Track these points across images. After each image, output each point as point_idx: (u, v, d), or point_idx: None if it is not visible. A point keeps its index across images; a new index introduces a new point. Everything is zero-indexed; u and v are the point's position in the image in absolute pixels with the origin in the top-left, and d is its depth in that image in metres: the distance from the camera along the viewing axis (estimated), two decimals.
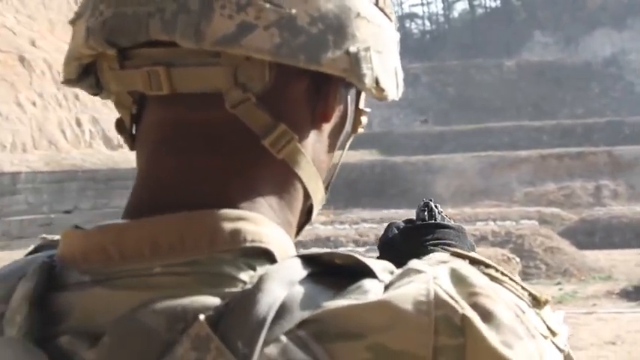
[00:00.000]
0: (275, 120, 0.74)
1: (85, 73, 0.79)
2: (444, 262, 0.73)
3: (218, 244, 0.69)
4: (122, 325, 0.65)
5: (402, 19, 75.72)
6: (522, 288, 0.75)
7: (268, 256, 0.70)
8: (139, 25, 0.71)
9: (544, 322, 0.74)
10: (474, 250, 1.38)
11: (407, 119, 54.25)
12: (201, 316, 0.63)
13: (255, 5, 0.70)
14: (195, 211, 0.70)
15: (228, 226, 0.70)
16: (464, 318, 0.66)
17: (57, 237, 0.78)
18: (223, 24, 0.70)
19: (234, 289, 0.66)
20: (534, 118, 49.40)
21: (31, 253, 0.81)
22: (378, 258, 1.45)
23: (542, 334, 0.72)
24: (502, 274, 0.75)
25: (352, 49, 0.73)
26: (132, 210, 0.75)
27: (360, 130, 0.86)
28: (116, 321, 0.65)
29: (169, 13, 0.70)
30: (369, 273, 0.68)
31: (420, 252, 1.33)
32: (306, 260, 0.69)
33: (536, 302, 0.75)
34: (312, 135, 0.78)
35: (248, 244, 0.70)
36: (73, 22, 0.77)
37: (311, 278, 0.67)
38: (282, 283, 0.65)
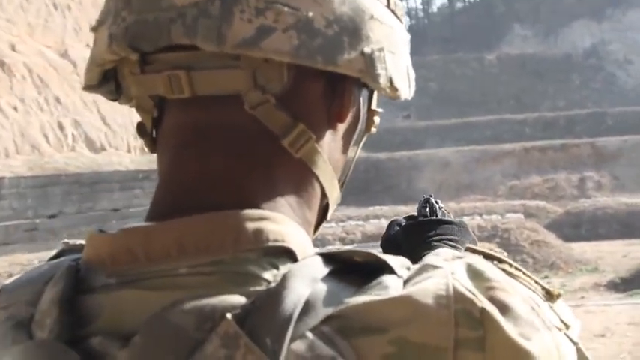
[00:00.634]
0: (293, 120, 0.76)
1: (105, 79, 0.81)
2: (460, 257, 0.74)
3: (242, 243, 0.71)
4: (153, 325, 0.66)
5: None
6: (535, 282, 0.77)
7: (290, 255, 0.72)
8: (161, 30, 0.73)
9: (557, 315, 0.75)
10: (475, 244, 1.39)
11: (389, 115, 54.36)
12: (229, 315, 0.65)
13: (273, 9, 0.72)
14: (219, 212, 0.72)
15: (251, 226, 0.72)
16: (483, 311, 0.67)
17: (79, 241, 0.81)
18: (243, 27, 0.72)
19: (258, 288, 0.68)
20: (516, 111, 49.65)
21: (53, 257, 0.82)
22: None
23: (556, 327, 0.73)
24: (516, 268, 0.77)
25: (367, 50, 0.76)
26: (156, 213, 0.76)
27: (374, 129, 0.88)
28: (147, 321, 0.67)
29: (190, 18, 0.72)
30: (389, 269, 0.70)
31: (424, 248, 1.34)
32: (327, 258, 0.70)
33: (550, 296, 0.77)
34: (328, 135, 0.80)
35: (271, 244, 0.72)
36: (95, 30, 0.79)
37: (332, 275, 0.69)
38: (305, 280, 0.67)
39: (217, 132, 0.76)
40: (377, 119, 0.88)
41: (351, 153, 0.87)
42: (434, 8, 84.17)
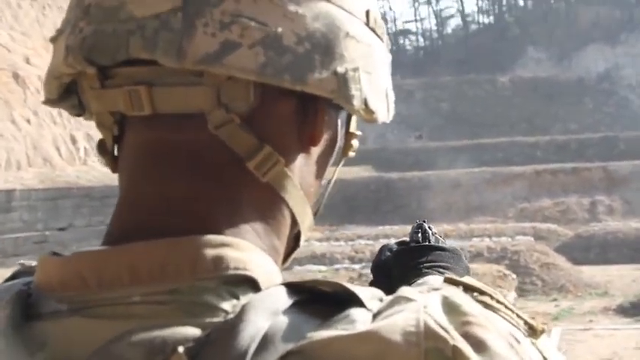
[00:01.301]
0: (260, 142, 0.72)
1: (66, 93, 0.76)
2: (436, 289, 0.69)
3: (200, 271, 0.66)
4: (98, 359, 0.62)
5: (395, 35, 76.02)
6: (518, 316, 0.72)
7: (252, 284, 0.68)
8: (119, 42, 0.69)
9: (540, 352, 0.70)
10: (469, 272, 1.36)
11: (401, 135, 54.31)
12: (180, 348, 0.61)
13: (239, 23, 0.68)
14: (177, 237, 0.68)
15: (210, 252, 0.67)
16: (455, 349, 0.62)
17: (34, 263, 0.75)
18: (206, 42, 0.68)
19: (215, 319, 0.64)
20: (528, 133, 49.50)
21: (8, 279, 0.78)
22: (372, 281, 1.43)
23: None
24: (497, 301, 0.71)
25: (340, 69, 0.71)
26: (112, 236, 0.72)
27: (352, 153, 0.84)
28: (92, 354, 0.62)
29: (150, 31, 0.68)
30: (357, 301, 0.65)
31: (414, 275, 1.32)
32: (292, 288, 0.66)
33: (533, 331, 0.71)
34: (300, 158, 0.76)
35: (231, 272, 0.67)
36: (53, 40, 0.75)
37: (296, 307, 0.64)
38: (266, 312, 0.63)
39: (179, 152, 0.72)
40: (355, 143, 0.83)
41: (327, 177, 0.82)
42: (448, 30, 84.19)
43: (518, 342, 0.67)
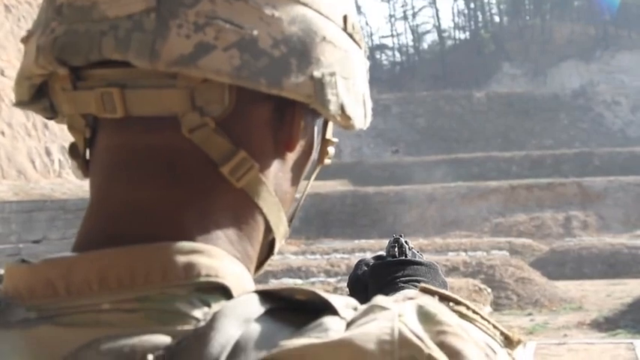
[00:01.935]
0: (235, 146, 0.70)
1: (38, 95, 0.74)
2: (411, 298, 0.68)
3: (170, 278, 0.65)
4: None
5: (372, 50, 76.30)
6: (494, 327, 0.71)
7: (224, 292, 0.66)
8: (92, 43, 0.67)
9: None
10: (446, 287, 1.35)
11: (378, 149, 54.43)
12: (150, 357, 0.60)
13: (214, 25, 0.67)
14: (147, 244, 0.66)
15: (181, 259, 0.66)
16: (430, 358, 0.61)
17: (1, 271, 0.73)
18: (180, 44, 0.66)
19: (186, 327, 0.62)
20: (503, 148, 49.77)
21: None
22: (348, 296, 1.42)
23: None
24: (473, 312, 0.71)
25: (316, 73, 0.70)
26: (81, 243, 0.70)
27: (327, 161, 0.83)
28: None
29: (123, 31, 0.66)
30: (331, 309, 0.64)
31: (391, 289, 1.31)
32: (264, 296, 0.64)
33: (509, 342, 0.71)
34: (275, 164, 0.74)
35: (202, 279, 0.66)
36: (25, 41, 0.73)
37: (269, 315, 0.63)
38: (238, 320, 0.61)
39: (151, 156, 0.70)
40: (331, 150, 0.82)
41: (302, 184, 0.81)
42: (424, 45, 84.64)
43: (495, 352, 0.67)
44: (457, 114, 57.46)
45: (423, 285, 0.74)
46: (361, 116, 0.76)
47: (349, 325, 0.63)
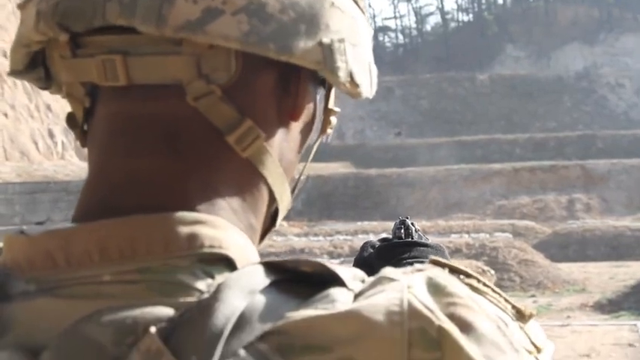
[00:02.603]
0: (241, 115, 0.68)
1: (33, 64, 0.72)
2: (420, 270, 0.65)
3: (173, 249, 0.63)
4: (65, 340, 0.59)
5: (375, 32, 76.07)
6: (505, 300, 0.69)
7: (228, 263, 0.64)
8: (95, 8, 0.65)
9: (528, 336, 0.68)
10: None
11: (380, 131, 54.45)
12: (152, 329, 0.58)
13: None
14: (149, 214, 0.64)
15: (184, 230, 0.64)
16: (440, 330, 0.59)
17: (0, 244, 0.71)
18: (187, 9, 0.64)
19: (189, 299, 0.61)
20: (507, 131, 49.77)
21: None
22: None
23: (526, 349, 0.66)
24: (484, 285, 0.69)
25: (325, 39, 0.68)
26: (81, 213, 0.68)
27: (329, 131, 0.81)
28: (59, 335, 0.60)
29: None
30: (338, 281, 0.62)
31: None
32: (269, 267, 0.63)
33: (520, 316, 0.69)
34: (280, 134, 0.73)
35: (206, 250, 0.64)
36: (22, 7, 0.71)
37: (274, 287, 0.62)
38: (242, 292, 0.60)
39: (153, 125, 0.68)
40: (334, 120, 0.80)
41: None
42: (428, 27, 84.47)
43: (506, 325, 0.65)
44: (460, 96, 57.43)
45: (432, 257, 0.71)
46: (368, 84, 0.74)
47: (357, 296, 0.62)
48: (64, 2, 0.66)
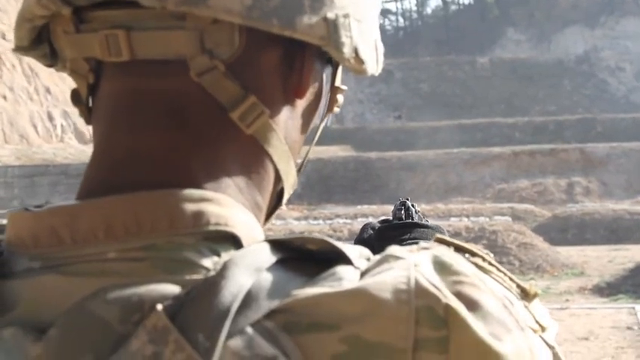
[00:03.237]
0: (245, 91, 0.68)
1: (37, 40, 0.72)
2: (426, 248, 0.65)
3: (178, 226, 0.63)
4: (71, 317, 0.59)
5: None
6: (510, 279, 0.69)
7: (234, 241, 0.64)
8: None
9: (533, 315, 0.67)
10: None
11: (380, 115, 54.41)
12: (159, 306, 0.58)
13: None
14: (154, 191, 0.64)
15: (189, 207, 0.63)
16: (447, 308, 0.60)
17: (4, 221, 0.70)
18: None
19: (195, 277, 0.61)
20: (507, 114, 49.71)
21: None
22: None
23: (531, 328, 0.65)
24: (489, 263, 0.68)
25: (330, 15, 0.67)
26: (86, 190, 0.68)
27: (336, 109, 0.80)
28: (65, 312, 0.59)
29: None
30: (344, 259, 0.62)
31: None
32: (276, 245, 0.63)
33: (525, 295, 0.68)
34: (285, 111, 0.72)
35: (211, 228, 0.64)
36: None
37: (280, 265, 0.62)
38: (249, 269, 0.60)
39: (157, 101, 0.67)
40: (340, 98, 0.79)
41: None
42: (428, 10, 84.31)
43: (512, 303, 0.65)
44: (460, 79, 57.34)
45: (438, 236, 0.71)
46: (373, 61, 0.73)
47: (363, 274, 0.62)
48: None
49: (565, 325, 11.52)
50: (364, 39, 0.71)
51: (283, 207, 0.79)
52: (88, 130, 29.62)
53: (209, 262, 0.62)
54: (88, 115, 0.72)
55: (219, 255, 0.63)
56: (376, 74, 0.75)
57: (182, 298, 0.59)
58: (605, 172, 33.72)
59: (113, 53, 0.67)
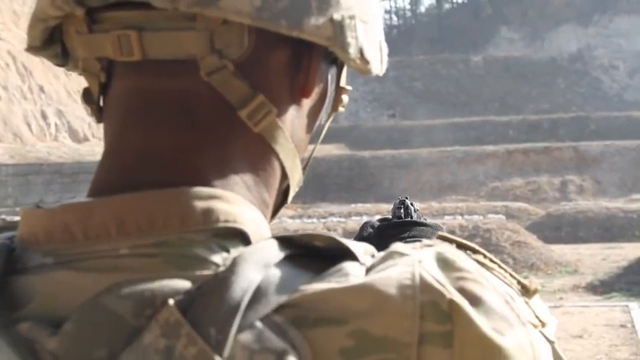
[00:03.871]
0: (253, 90, 0.70)
1: (50, 41, 0.74)
2: (429, 245, 0.68)
3: (189, 224, 0.64)
4: (86, 311, 0.61)
5: None
6: (511, 276, 0.71)
7: (242, 237, 0.66)
8: None
9: (533, 311, 0.69)
10: None
11: (374, 113, 54.44)
12: (171, 301, 0.59)
13: None
14: (165, 189, 0.66)
15: (199, 204, 0.65)
16: (451, 303, 0.61)
17: (17, 219, 0.72)
18: None
19: (205, 272, 0.62)
20: (500, 113, 49.78)
21: None
22: None
23: (532, 323, 0.67)
24: (491, 260, 0.71)
25: (336, 16, 0.69)
26: (98, 188, 0.70)
27: (341, 109, 0.82)
28: (80, 306, 0.61)
29: None
30: (350, 255, 0.64)
31: None
32: (283, 242, 0.65)
33: (525, 291, 0.71)
34: (292, 110, 0.74)
35: (221, 225, 0.65)
36: None
37: (288, 261, 0.63)
38: (258, 265, 0.61)
39: (168, 100, 0.69)
40: (345, 98, 0.81)
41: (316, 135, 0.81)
42: (422, 8, 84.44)
43: (513, 299, 0.67)
44: (454, 78, 57.40)
45: (440, 233, 0.73)
46: (378, 61, 0.75)
47: (368, 271, 0.63)
48: None
49: (559, 323, 11.50)
50: (369, 40, 0.73)
51: None
52: (81, 129, 29.57)
53: (219, 258, 0.63)
54: (99, 114, 0.74)
55: (228, 251, 0.64)
56: (380, 74, 0.78)
57: (193, 293, 0.60)
58: (598, 170, 33.80)
59: (125, 53, 0.68)
